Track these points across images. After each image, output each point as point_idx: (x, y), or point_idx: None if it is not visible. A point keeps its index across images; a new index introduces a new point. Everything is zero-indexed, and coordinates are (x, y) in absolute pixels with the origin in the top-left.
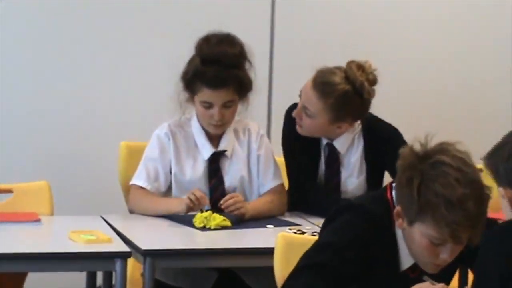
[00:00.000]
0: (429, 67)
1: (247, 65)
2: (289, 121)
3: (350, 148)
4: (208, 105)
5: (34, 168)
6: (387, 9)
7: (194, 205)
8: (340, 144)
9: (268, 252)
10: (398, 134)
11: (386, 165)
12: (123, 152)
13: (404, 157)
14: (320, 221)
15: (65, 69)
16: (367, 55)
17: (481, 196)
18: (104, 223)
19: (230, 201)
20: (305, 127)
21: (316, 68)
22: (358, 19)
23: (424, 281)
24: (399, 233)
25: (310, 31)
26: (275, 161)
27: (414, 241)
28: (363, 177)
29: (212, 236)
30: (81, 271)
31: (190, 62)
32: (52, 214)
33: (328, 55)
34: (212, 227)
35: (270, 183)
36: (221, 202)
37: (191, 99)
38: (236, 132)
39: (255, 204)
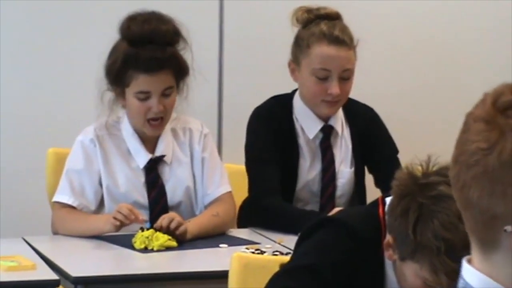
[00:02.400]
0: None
1: (181, 45)
2: (261, 120)
3: (343, 130)
4: (145, 96)
5: None
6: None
7: (123, 223)
8: (336, 122)
9: (222, 276)
10: (378, 117)
11: (368, 156)
12: (51, 160)
13: (401, 182)
14: (283, 238)
15: None
16: None
17: None
18: (27, 246)
19: (165, 221)
20: (345, 94)
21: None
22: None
23: None
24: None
25: (260, 21)
26: (221, 165)
27: (405, 277)
28: (353, 168)
29: (155, 258)
30: None
31: (116, 49)
32: None
33: (282, 46)
34: (155, 248)
35: (215, 192)
36: (155, 225)
37: (121, 95)
38: (174, 132)
39: (197, 221)
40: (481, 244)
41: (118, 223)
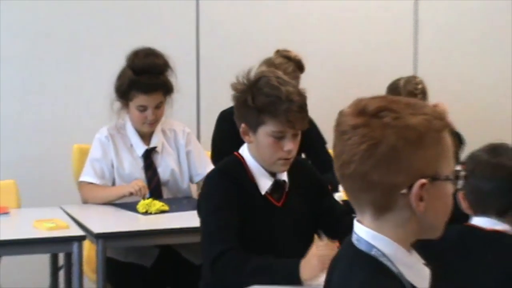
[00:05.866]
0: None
1: (169, 72)
2: (222, 123)
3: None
4: (143, 108)
5: (3, 169)
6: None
7: (137, 193)
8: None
9: (199, 230)
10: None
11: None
12: (76, 153)
13: (236, 88)
14: None
15: (32, 85)
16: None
17: (300, 91)
18: (62, 212)
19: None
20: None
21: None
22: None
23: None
24: (250, 163)
25: (232, 42)
26: (204, 152)
27: (261, 145)
28: None
29: (153, 219)
30: (44, 253)
31: (122, 75)
32: (19, 207)
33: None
34: (153, 212)
35: (203, 171)
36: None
37: (126, 106)
38: (163, 131)
39: None
40: (376, 209)
41: (133, 191)
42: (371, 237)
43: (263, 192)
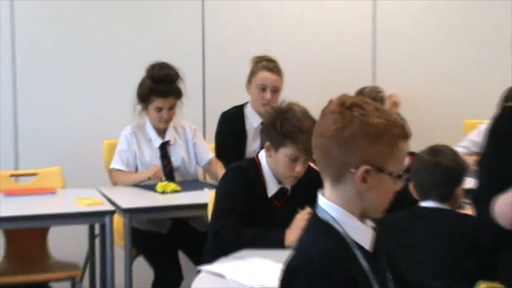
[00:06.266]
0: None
1: (180, 80)
2: (223, 123)
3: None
4: (159, 110)
5: (51, 158)
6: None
7: (153, 177)
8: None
9: (205, 206)
10: None
11: None
12: (106, 147)
13: (267, 113)
14: None
15: (74, 94)
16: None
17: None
18: (98, 192)
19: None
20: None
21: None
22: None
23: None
24: (264, 169)
25: (232, 55)
26: (206, 143)
27: (278, 162)
28: None
29: (168, 197)
30: (83, 224)
31: (143, 84)
32: (64, 187)
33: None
34: (168, 191)
35: (206, 157)
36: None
37: (145, 108)
38: (175, 128)
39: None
40: (332, 180)
41: (150, 175)
42: (327, 206)
43: (269, 195)
